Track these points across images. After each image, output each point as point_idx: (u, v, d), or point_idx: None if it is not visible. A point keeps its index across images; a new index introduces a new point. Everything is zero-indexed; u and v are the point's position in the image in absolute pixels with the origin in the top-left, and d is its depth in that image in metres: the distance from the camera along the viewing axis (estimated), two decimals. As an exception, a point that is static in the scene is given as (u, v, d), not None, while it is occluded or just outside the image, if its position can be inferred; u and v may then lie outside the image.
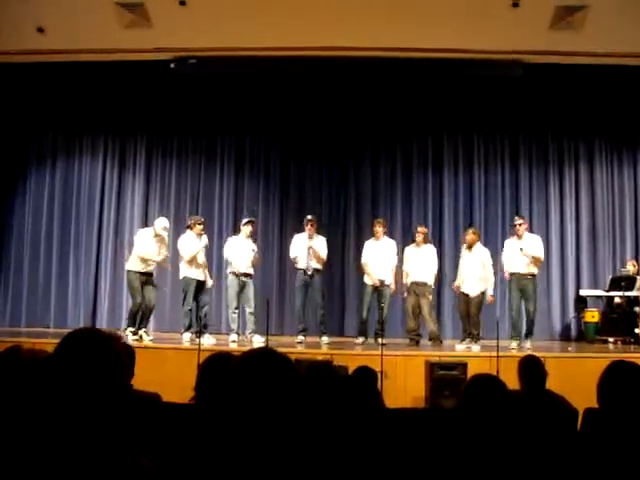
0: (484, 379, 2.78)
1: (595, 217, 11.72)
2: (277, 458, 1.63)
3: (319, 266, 9.73)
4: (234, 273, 9.45)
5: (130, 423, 1.64)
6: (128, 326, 9.25)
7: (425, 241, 9.78)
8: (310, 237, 9.66)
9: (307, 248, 9.60)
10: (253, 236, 9.83)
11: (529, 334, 9.31)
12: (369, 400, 2.42)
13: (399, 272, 9.79)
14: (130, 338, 8.86)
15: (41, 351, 2.83)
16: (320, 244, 9.75)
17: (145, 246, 9.33)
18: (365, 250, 9.89)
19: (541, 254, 9.44)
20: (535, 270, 9.39)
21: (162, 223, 9.53)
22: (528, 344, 9.08)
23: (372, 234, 9.95)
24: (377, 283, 9.59)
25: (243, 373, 1.73)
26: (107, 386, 1.61)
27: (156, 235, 9.40)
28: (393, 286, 9.68)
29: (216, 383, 2.80)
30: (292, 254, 9.82)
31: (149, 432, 2.68)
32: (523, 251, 9.21)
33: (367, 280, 9.76)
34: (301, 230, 9.86)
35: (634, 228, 11.65)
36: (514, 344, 9.03)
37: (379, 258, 9.66)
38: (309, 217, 9.81)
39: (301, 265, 9.69)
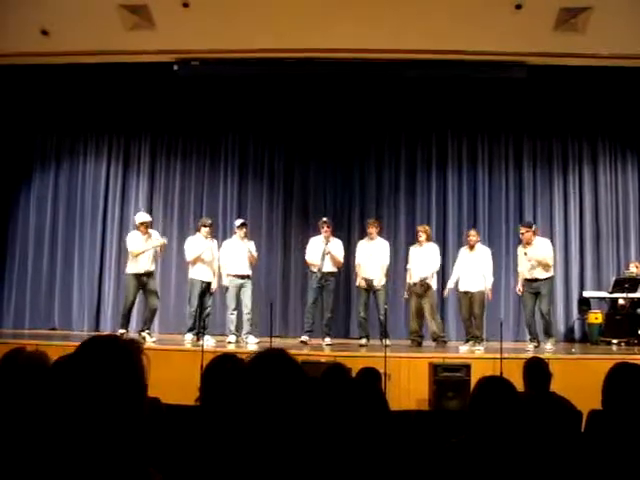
0: (493, 381, 2.76)
1: (599, 218, 11.69)
2: (285, 459, 1.64)
3: (334, 269, 9.73)
4: (232, 275, 9.53)
5: (145, 433, 1.61)
6: (120, 327, 9.33)
7: (428, 240, 9.73)
8: (327, 240, 9.64)
9: (324, 253, 9.56)
10: (247, 237, 9.84)
11: (547, 335, 9.23)
12: (374, 401, 2.42)
13: (391, 273, 9.81)
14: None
15: (41, 353, 2.83)
16: (337, 247, 9.74)
17: (133, 244, 9.42)
18: (357, 251, 9.88)
19: (548, 259, 9.34)
20: (547, 274, 9.34)
21: (138, 217, 9.70)
22: (549, 345, 9.05)
23: (366, 234, 9.93)
24: (363, 284, 9.59)
25: (254, 374, 1.73)
26: (126, 396, 1.58)
27: (138, 229, 9.49)
28: (382, 283, 9.61)
29: (222, 384, 2.81)
30: (308, 257, 9.79)
31: (150, 437, 2.67)
32: (527, 256, 9.28)
33: (359, 281, 9.79)
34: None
35: (638, 229, 11.61)
36: (530, 346, 9.06)
37: (370, 258, 9.63)
38: (324, 219, 9.76)
39: (314, 268, 9.68)
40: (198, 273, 9.47)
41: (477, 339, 9.13)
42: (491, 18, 8.34)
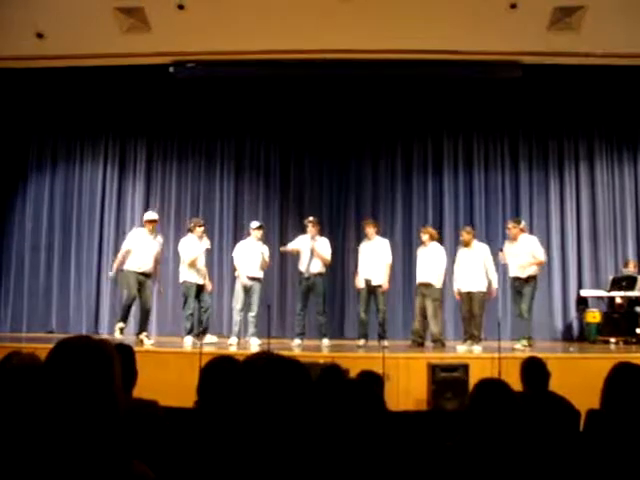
0: (491, 383, 2.76)
1: (596, 217, 11.70)
2: (282, 460, 1.63)
3: (322, 269, 9.71)
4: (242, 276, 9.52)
5: (128, 429, 1.63)
6: (119, 320, 9.17)
7: (432, 240, 9.65)
8: (312, 238, 9.63)
9: (309, 250, 9.57)
10: (263, 239, 9.85)
11: (522, 335, 9.14)
12: (372, 404, 2.42)
13: (392, 271, 9.83)
14: (117, 335, 8.83)
15: (32, 355, 2.82)
16: (323, 246, 9.72)
17: (140, 245, 9.33)
18: (359, 253, 9.86)
19: (529, 257, 9.28)
20: (530, 272, 9.30)
21: (146, 215, 9.63)
22: (518, 345, 8.96)
23: (365, 236, 9.91)
24: (358, 285, 9.58)
25: (248, 378, 1.73)
26: (98, 392, 1.60)
27: (145, 226, 9.42)
28: (385, 285, 9.59)
29: (219, 387, 2.80)
30: (294, 246, 9.83)
31: (148, 439, 2.66)
32: (500, 254, 9.37)
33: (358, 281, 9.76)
34: (302, 232, 9.85)
35: (635, 227, 11.63)
36: (517, 345, 9.03)
37: (370, 258, 9.61)
38: (310, 218, 9.79)
39: (301, 267, 9.68)
40: (193, 275, 9.44)
41: (475, 338, 9.10)
42: (486, 17, 8.35)
